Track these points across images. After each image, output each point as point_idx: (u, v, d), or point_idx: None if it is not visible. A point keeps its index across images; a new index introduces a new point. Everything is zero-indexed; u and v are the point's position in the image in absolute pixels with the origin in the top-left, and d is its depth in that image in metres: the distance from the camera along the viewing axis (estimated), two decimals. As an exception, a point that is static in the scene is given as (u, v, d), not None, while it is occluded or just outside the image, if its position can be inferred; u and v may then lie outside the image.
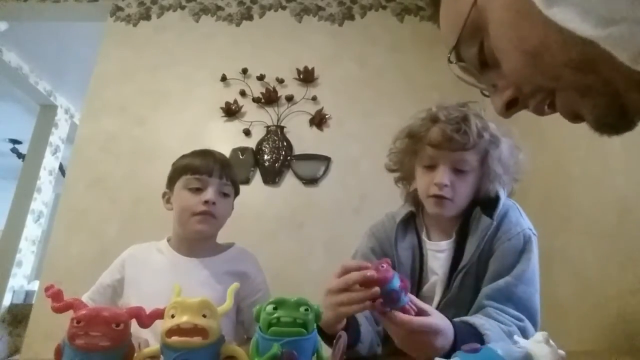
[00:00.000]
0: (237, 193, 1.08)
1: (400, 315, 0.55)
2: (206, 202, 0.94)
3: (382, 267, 0.57)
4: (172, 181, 1.02)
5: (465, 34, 0.34)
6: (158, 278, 0.94)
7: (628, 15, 0.21)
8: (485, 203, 0.81)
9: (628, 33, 0.21)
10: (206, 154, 1.03)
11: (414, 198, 0.89)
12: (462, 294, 0.78)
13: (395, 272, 0.57)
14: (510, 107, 0.35)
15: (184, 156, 1.04)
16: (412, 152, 0.85)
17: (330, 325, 0.62)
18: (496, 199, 0.80)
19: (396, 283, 0.56)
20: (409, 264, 0.85)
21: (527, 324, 0.71)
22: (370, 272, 0.56)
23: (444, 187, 0.77)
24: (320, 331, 0.69)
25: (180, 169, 1.00)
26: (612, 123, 0.30)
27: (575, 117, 0.32)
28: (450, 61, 0.37)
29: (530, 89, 0.32)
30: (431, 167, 0.80)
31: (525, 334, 0.68)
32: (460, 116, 0.78)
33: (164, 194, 1.04)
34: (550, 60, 0.28)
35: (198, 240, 1.00)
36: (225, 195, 1.01)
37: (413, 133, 0.83)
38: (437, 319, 0.59)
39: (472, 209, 0.83)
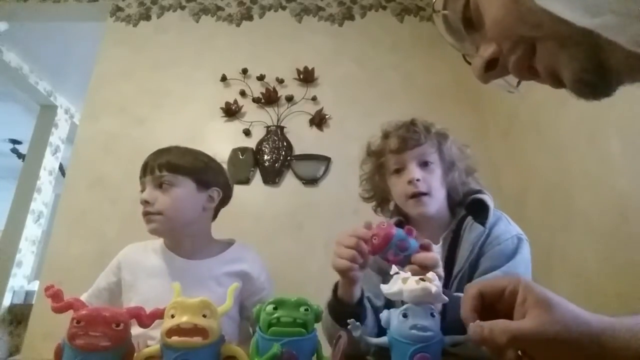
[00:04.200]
0: (199, 180, 0.98)
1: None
2: (142, 203, 0.94)
3: (383, 225, 0.64)
4: None
5: None
6: (155, 282, 0.93)
7: (612, 7, 0.22)
8: (476, 212, 0.85)
9: (617, 23, 0.22)
10: (151, 154, 1.01)
11: (399, 211, 0.94)
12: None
13: (394, 225, 0.64)
14: (490, 68, 0.34)
15: None
16: (379, 167, 0.92)
17: (342, 286, 0.71)
18: (485, 208, 0.84)
19: (401, 233, 0.63)
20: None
21: None
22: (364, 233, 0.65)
23: (417, 181, 0.83)
24: (336, 301, 0.73)
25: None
26: (590, 81, 0.29)
27: (554, 77, 0.31)
28: (435, 10, 0.37)
29: (510, 44, 0.32)
30: (399, 171, 0.88)
31: None
32: (406, 121, 0.90)
33: None
34: (531, 5, 0.28)
35: (172, 238, 0.99)
36: (165, 185, 0.94)
37: (373, 150, 0.93)
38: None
39: (463, 218, 0.86)
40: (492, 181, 1.68)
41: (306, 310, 0.47)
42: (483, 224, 0.82)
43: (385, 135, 0.91)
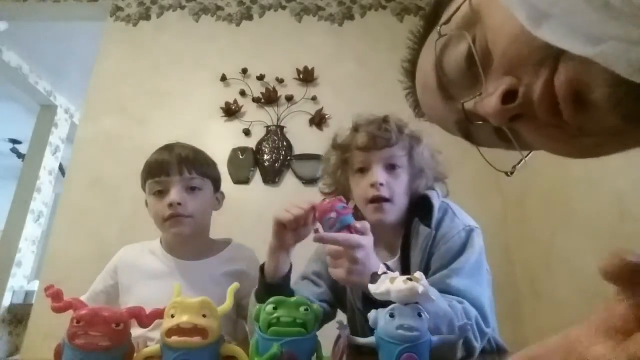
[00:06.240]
0: (215, 183, 1.01)
1: (326, 234, 0.66)
2: (170, 205, 0.89)
3: (326, 200, 0.69)
4: (144, 189, 0.98)
5: (459, 20, 0.32)
6: (153, 284, 0.93)
7: (614, 33, 0.21)
8: (422, 213, 0.80)
9: (618, 51, 0.21)
10: (163, 152, 0.96)
11: (357, 216, 0.90)
12: None
13: (340, 202, 0.67)
14: (509, 101, 0.28)
15: (150, 157, 0.98)
16: (343, 162, 0.86)
17: (271, 253, 0.74)
18: (430, 206, 0.79)
19: (339, 208, 0.67)
20: None
21: (469, 306, 0.67)
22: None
23: (380, 186, 0.78)
24: (262, 275, 0.74)
25: (144, 175, 0.96)
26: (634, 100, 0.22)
27: (577, 96, 0.25)
28: (440, 34, 0.34)
29: (532, 67, 0.27)
30: (364, 170, 0.81)
31: (467, 315, 0.65)
32: (379, 118, 0.83)
33: (146, 203, 0.99)
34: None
35: (186, 241, 0.96)
36: (195, 189, 0.94)
37: (340, 144, 0.86)
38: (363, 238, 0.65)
39: (411, 221, 0.81)
40: (492, 182, 1.68)
41: (306, 310, 0.47)
42: (430, 225, 0.77)
43: (355, 129, 0.85)
